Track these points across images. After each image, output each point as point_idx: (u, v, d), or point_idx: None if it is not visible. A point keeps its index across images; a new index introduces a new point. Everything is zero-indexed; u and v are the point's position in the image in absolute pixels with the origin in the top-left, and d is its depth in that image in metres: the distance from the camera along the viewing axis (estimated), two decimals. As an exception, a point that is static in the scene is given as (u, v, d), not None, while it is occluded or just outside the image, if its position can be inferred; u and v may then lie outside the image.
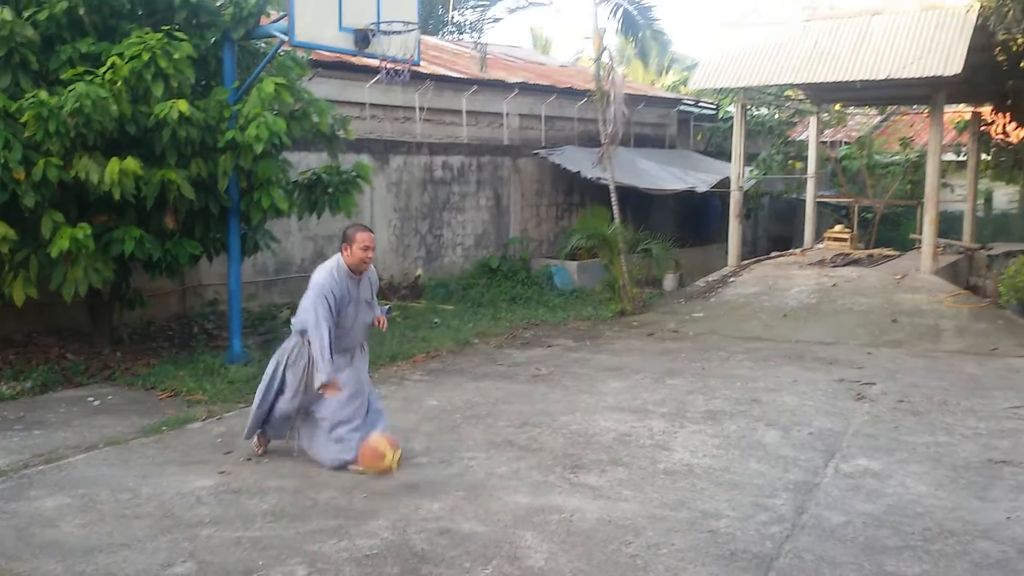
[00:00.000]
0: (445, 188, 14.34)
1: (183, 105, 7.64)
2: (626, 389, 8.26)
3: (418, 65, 9.33)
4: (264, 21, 8.66)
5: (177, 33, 7.84)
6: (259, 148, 7.93)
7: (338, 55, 10.60)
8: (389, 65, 8.36)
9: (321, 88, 11.18)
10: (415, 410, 7.48)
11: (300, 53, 9.27)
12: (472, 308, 12.65)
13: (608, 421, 7.14)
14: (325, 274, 5.78)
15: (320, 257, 12.30)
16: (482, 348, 10.31)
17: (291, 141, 8.66)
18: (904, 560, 4.54)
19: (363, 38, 8.34)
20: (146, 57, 7.52)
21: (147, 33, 7.71)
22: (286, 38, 8.09)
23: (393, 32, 8.36)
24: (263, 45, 9.19)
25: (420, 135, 14.00)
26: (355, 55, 8.96)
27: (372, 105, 13.16)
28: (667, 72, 28.37)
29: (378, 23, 8.35)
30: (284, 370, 5.97)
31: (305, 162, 10.74)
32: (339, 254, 5.86)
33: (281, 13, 8.43)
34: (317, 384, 5.72)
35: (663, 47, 15.45)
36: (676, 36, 54.72)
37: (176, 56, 7.66)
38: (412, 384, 8.47)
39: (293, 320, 6.02)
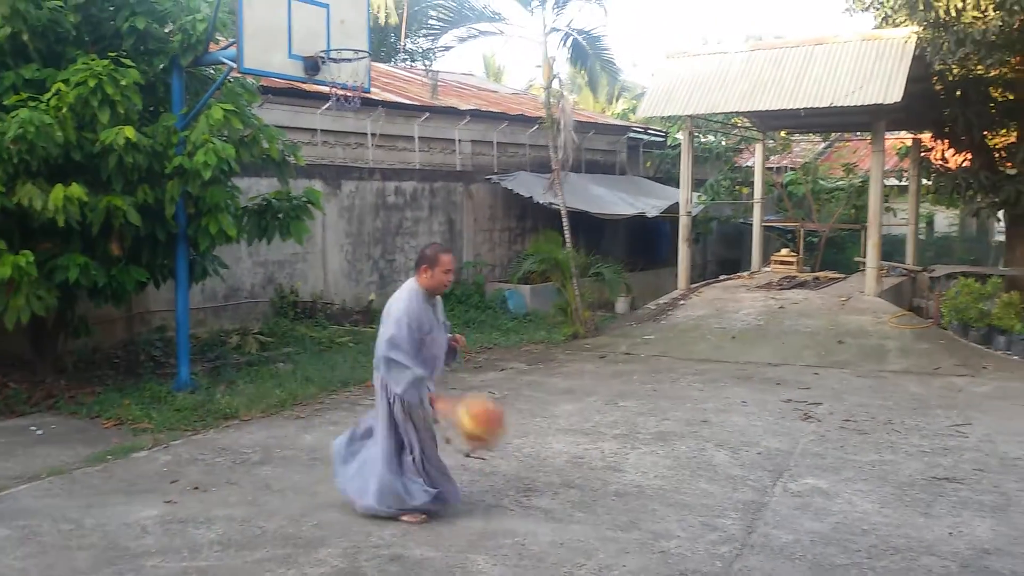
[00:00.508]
0: (398, 213, 14.34)
1: (130, 131, 7.57)
2: (579, 411, 8.31)
3: (369, 92, 9.37)
4: (213, 48, 8.64)
5: (124, 60, 7.80)
6: (207, 174, 7.88)
7: (289, 82, 10.60)
8: (339, 92, 8.37)
9: (272, 114, 11.16)
10: (367, 436, 7.42)
11: (250, 80, 9.25)
12: (425, 333, 12.60)
13: (561, 443, 7.17)
14: (404, 302, 5.34)
15: (270, 283, 12.25)
16: (435, 373, 10.27)
17: (240, 167, 8.63)
18: (850, 577, 4.63)
19: (313, 65, 8.35)
20: (92, 83, 7.46)
21: (93, 59, 7.66)
22: (235, 65, 8.08)
23: (343, 60, 8.39)
24: (212, 72, 9.16)
25: (372, 161, 14.01)
26: (305, 82, 8.97)
27: (324, 131, 13.16)
28: (617, 100, 28.84)
29: (328, 51, 8.37)
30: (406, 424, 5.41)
31: (255, 188, 10.68)
32: (413, 279, 5.48)
33: (230, 40, 8.43)
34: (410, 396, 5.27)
35: (612, 76, 15.71)
36: (626, 65, 55.51)
37: (123, 82, 7.61)
38: (363, 409, 8.33)
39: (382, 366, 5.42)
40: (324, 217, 12.64)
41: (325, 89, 8.89)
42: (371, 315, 12.99)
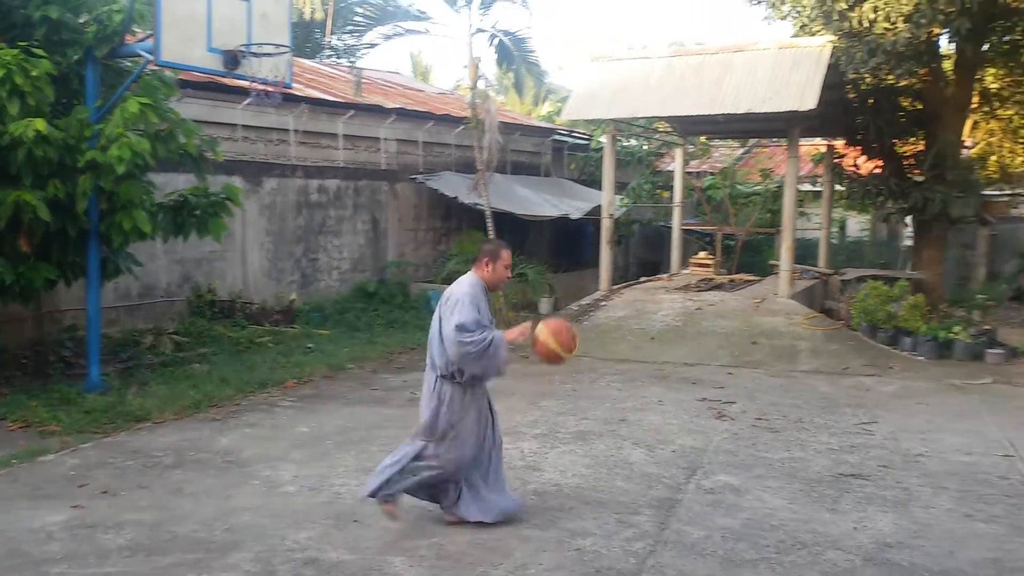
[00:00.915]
0: (321, 211, 14.18)
1: (40, 124, 7.34)
2: (500, 412, 8.28)
3: (290, 88, 9.25)
4: (130, 39, 8.41)
5: (36, 50, 7.55)
6: (121, 169, 7.68)
7: (209, 76, 10.38)
8: (260, 87, 8.25)
9: (191, 109, 10.91)
10: (284, 437, 7.34)
11: (168, 73, 9.04)
12: (348, 333, 12.53)
13: (481, 444, 7.19)
14: (467, 287, 5.27)
15: (187, 281, 11.97)
16: (357, 373, 10.22)
17: (156, 162, 8.43)
18: (760, 572, 4.76)
19: (233, 59, 8.22)
20: (1, 73, 7.20)
21: (2, 49, 7.38)
22: (152, 58, 7.89)
23: (264, 54, 8.27)
24: (129, 64, 8.92)
25: (295, 158, 13.82)
26: (225, 76, 8.81)
27: (245, 127, 12.92)
28: (543, 102, 29.01)
29: (248, 45, 8.25)
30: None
31: (172, 184, 10.42)
32: (472, 273, 5.41)
33: (147, 32, 8.22)
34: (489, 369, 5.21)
35: (538, 78, 15.85)
36: (552, 68, 55.91)
37: (34, 73, 7.37)
38: (282, 411, 8.31)
39: (438, 363, 5.28)
40: (244, 214, 12.41)
41: (246, 84, 8.76)
42: (292, 315, 12.83)
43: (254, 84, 8.31)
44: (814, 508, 5.79)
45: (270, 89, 8.38)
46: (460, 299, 5.18)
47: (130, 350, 10.24)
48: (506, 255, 5.44)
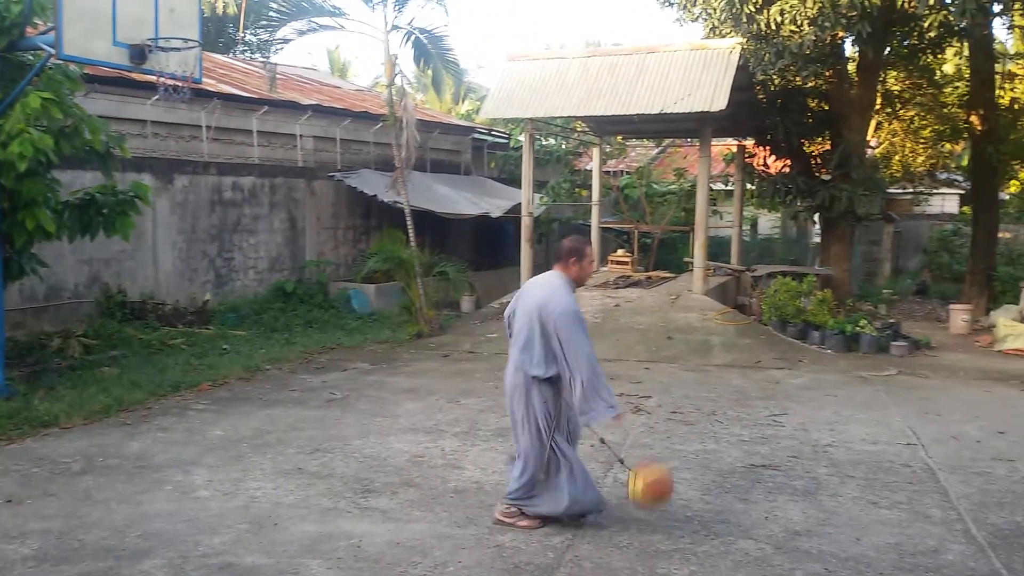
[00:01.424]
0: (236, 210, 13.89)
1: (-67, 118, 7.01)
2: (421, 410, 8.34)
3: (200, 83, 9.05)
4: (31, 32, 8.11)
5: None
6: (22, 166, 7.41)
7: (118, 71, 10.07)
8: (168, 82, 8.05)
9: (98, 104, 10.59)
10: (197, 442, 7.18)
11: (73, 67, 8.73)
12: (265, 333, 12.32)
13: (402, 443, 7.18)
14: (568, 296, 5.23)
15: (96, 282, 11.61)
16: (274, 374, 10.06)
17: (61, 159, 8.16)
18: (674, 563, 4.86)
19: (140, 54, 7.99)
20: None
21: None
22: (53, 51, 7.61)
23: (172, 49, 8.07)
24: (31, 58, 8.59)
25: (208, 155, 13.51)
26: (131, 71, 8.56)
27: (155, 123, 12.59)
28: (463, 101, 29.00)
29: (156, 39, 8.03)
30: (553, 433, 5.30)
31: (79, 181, 10.10)
32: (557, 272, 5.39)
33: (49, 25, 7.93)
34: (594, 420, 5.19)
35: (457, 76, 15.83)
36: (471, 66, 55.86)
37: (-74, 65, 7.03)
38: (196, 414, 8.12)
39: (536, 369, 5.22)
40: (155, 213, 12.10)
41: (154, 79, 8.53)
42: (207, 316, 12.54)
43: (162, 79, 8.10)
44: (727, 499, 5.95)
45: (179, 84, 8.19)
46: (574, 319, 5.13)
47: (36, 354, 9.86)
48: (590, 252, 5.49)
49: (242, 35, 24.28)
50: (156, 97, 10.95)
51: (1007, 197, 20.59)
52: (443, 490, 6.02)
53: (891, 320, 13.24)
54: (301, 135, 15.35)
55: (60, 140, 8.00)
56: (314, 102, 16.11)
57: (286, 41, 13.95)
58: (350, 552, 4.94)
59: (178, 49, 8.14)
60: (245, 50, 25.30)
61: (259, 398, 8.82)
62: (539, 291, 5.32)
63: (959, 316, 13.81)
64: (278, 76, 16.46)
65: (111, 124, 9.25)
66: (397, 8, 13.52)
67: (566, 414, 5.37)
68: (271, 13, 13.83)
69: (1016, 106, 15.99)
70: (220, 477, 6.25)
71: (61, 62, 8.27)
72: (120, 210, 8.78)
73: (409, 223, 13.27)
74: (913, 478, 6.41)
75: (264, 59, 15.18)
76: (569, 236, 5.79)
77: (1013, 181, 18.64)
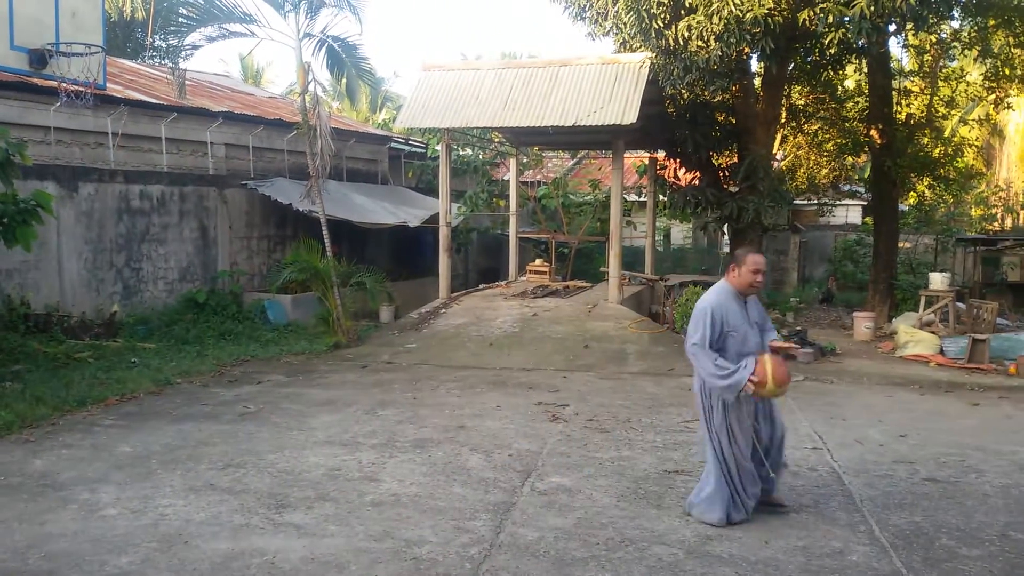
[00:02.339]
0: (144, 218, 13.51)
1: None
2: (337, 423, 8.25)
3: (104, 89, 8.83)
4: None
5: None
6: (-86, 174, 7.07)
7: (18, 75, 9.71)
8: (70, 88, 7.82)
9: (-4, 110, 10.18)
10: (104, 459, 6.96)
11: (-33, 71, 8.41)
12: (176, 346, 12.01)
13: (317, 456, 7.09)
14: (712, 295, 5.69)
15: (-5, 295, 11.14)
16: (185, 388, 9.81)
17: (-44, 167, 7.81)
18: (589, 570, 4.93)
19: (40, 58, 7.76)
20: None
21: None
22: (-53, 54, 7.32)
23: (74, 54, 7.84)
24: (-79, 60, 8.22)
25: (115, 162, 13.12)
26: (31, 76, 8.27)
27: (58, 129, 12.17)
28: (381, 110, 28.85)
29: (57, 43, 7.80)
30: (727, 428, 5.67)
31: (-25, 190, 9.68)
32: (724, 280, 5.80)
33: (-58, 26, 7.62)
34: (726, 395, 5.55)
35: (372, 85, 15.76)
36: (388, 75, 55.58)
37: None
38: (102, 430, 7.87)
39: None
40: (59, 222, 11.69)
41: (56, 84, 8.28)
42: (115, 328, 12.16)
43: (64, 84, 7.86)
44: (641, 505, 6.05)
45: (82, 90, 7.96)
46: (695, 315, 5.66)
47: (-72, 370, 9.42)
48: (753, 260, 5.69)
49: (150, 40, 23.64)
50: (59, 103, 10.61)
51: (906, 208, 21.53)
52: (360, 503, 5.98)
53: (798, 328, 13.68)
54: (212, 142, 15.03)
55: (-45, 147, 7.68)
56: (225, 109, 15.81)
57: (196, 47, 13.71)
58: (263, 569, 4.86)
59: (80, 54, 7.93)
60: (154, 56, 24.63)
61: (169, 413, 8.59)
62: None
63: (863, 323, 14.36)
64: (188, 82, 16.10)
65: (11, 131, 8.89)
66: (309, 16, 13.40)
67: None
68: (180, 19, 13.51)
69: (912, 121, 16.74)
70: (128, 495, 6.08)
71: (-44, 66, 7.97)
72: (21, 220, 8.47)
73: (325, 232, 13.13)
74: (819, 481, 6.63)
75: (172, 65, 14.80)
76: (743, 245, 6.22)
77: (911, 193, 19.48)
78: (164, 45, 23.94)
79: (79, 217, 12.38)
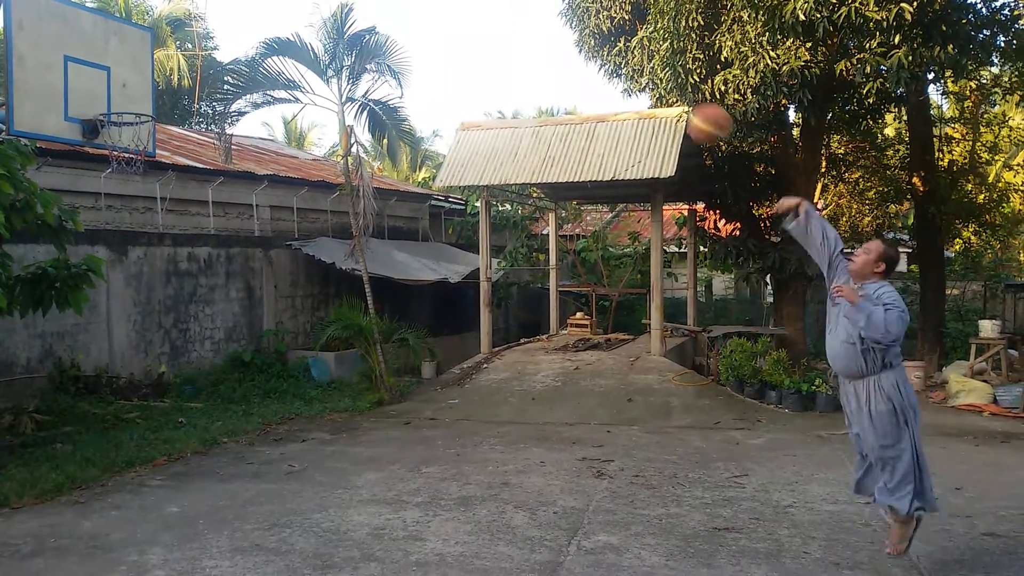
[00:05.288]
0: (192, 280, 13.79)
1: None
2: (381, 480, 8.24)
3: (153, 156, 9.10)
4: (-17, 108, 8.09)
5: None
6: (-27, 242, 7.31)
7: (70, 144, 10.08)
8: (121, 156, 8.07)
9: (51, 178, 10.54)
10: (152, 519, 7.01)
11: (24, 142, 8.70)
12: (222, 405, 12.13)
13: (362, 515, 7.07)
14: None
15: (49, 356, 11.45)
16: (232, 447, 9.89)
17: (13, 233, 8.05)
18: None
19: (92, 128, 8.04)
20: None
21: None
22: (4, 127, 7.61)
23: (125, 123, 8.12)
24: (-19, 133, 8.56)
25: (163, 226, 13.45)
26: (83, 146, 8.56)
27: (108, 195, 12.54)
28: (421, 168, 29.32)
29: (108, 114, 8.08)
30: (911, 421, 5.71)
31: (31, 255, 10.00)
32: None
33: (0, 100, 7.93)
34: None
35: (413, 145, 16.04)
36: (428, 134, 56.56)
37: None
38: (150, 491, 7.94)
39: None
40: (109, 285, 11.97)
41: (108, 152, 8.55)
42: (163, 388, 12.34)
43: (115, 153, 8.12)
44: (690, 563, 5.92)
45: (132, 157, 8.21)
46: (903, 315, 5.60)
47: (-16, 432, 9.61)
48: (867, 246, 5.91)
49: (197, 107, 24.38)
50: (109, 170, 10.95)
51: (952, 255, 21.18)
52: (405, 563, 5.93)
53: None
54: (257, 205, 15.36)
55: (11, 215, 7.92)
56: (270, 172, 16.19)
57: (242, 113, 13.98)
58: (311, 630, 4.84)
59: (131, 124, 8.21)
60: (201, 121, 25.39)
61: (216, 472, 8.65)
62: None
63: (912, 373, 14.03)
64: (234, 147, 16.52)
65: (64, 197, 9.20)
66: (351, 81, 13.74)
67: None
68: (226, 86, 13.93)
69: (955, 167, 16.56)
70: (176, 556, 6.10)
71: (12, 137, 8.26)
72: (73, 284, 8.67)
73: (368, 290, 13.28)
74: (874, 537, 6.43)
75: (219, 131, 15.22)
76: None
77: (957, 240, 19.18)
78: (210, 111, 24.73)
79: (128, 280, 12.67)
